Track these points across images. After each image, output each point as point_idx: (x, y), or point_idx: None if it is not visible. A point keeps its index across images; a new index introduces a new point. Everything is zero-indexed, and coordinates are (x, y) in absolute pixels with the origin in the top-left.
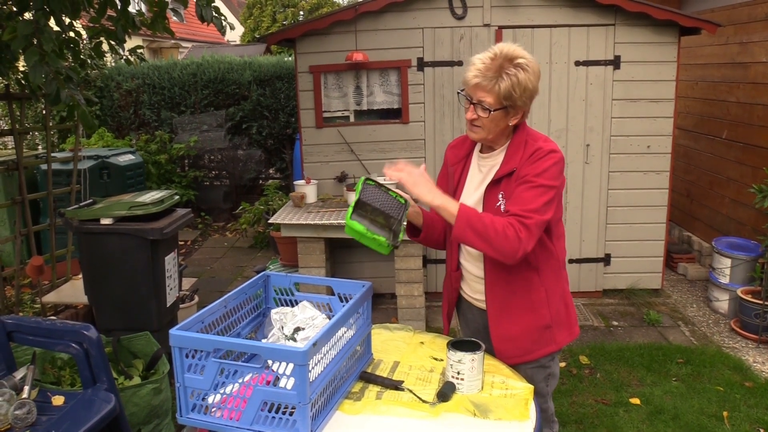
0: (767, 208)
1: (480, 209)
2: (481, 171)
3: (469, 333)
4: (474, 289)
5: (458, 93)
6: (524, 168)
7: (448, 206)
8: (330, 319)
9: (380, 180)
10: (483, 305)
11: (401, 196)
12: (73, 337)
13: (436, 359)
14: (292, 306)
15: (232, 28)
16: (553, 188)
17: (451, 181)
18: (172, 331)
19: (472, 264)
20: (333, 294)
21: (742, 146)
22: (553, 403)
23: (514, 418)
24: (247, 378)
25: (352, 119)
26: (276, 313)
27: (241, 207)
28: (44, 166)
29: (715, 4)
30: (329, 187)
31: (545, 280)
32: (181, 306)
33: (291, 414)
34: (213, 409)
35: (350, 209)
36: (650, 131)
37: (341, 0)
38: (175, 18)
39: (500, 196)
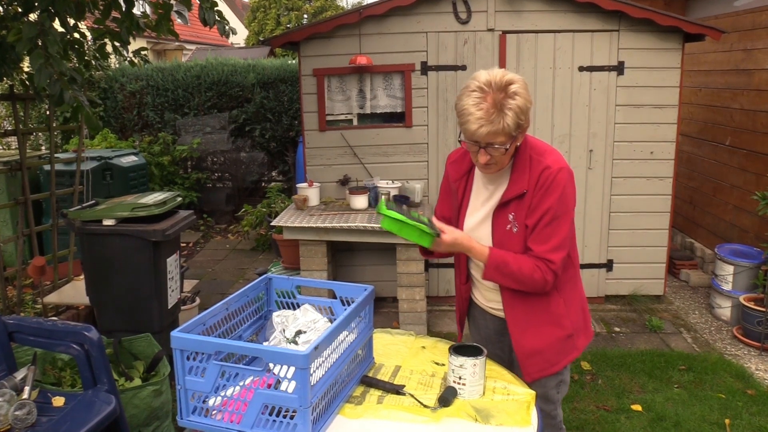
0: None
1: (488, 229)
2: (487, 189)
3: (479, 339)
4: (487, 297)
5: (459, 140)
6: (537, 195)
7: (482, 252)
8: (332, 322)
9: (383, 183)
10: (497, 312)
11: (423, 216)
12: (74, 338)
13: (437, 364)
14: (294, 309)
15: (234, 32)
16: (569, 211)
17: (455, 197)
18: (174, 333)
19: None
20: (335, 297)
21: (745, 153)
22: (561, 411)
23: (516, 423)
24: (248, 381)
25: (355, 122)
26: (278, 316)
27: (243, 209)
28: (47, 167)
29: (720, 10)
30: (332, 190)
31: (563, 290)
32: (182, 308)
33: (292, 417)
34: (213, 412)
35: (382, 201)
36: (654, 137)
37: (345, 3)
38: (179, 20)
39: (510, 217)
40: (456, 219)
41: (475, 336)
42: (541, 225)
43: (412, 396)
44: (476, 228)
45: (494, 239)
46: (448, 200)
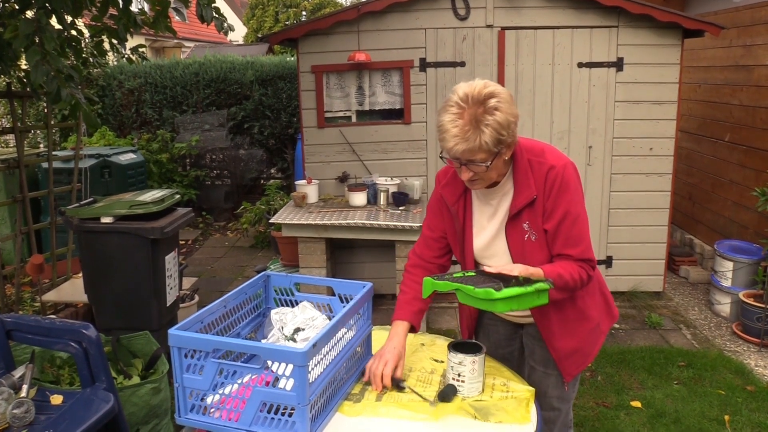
0: None
1: (503, 244)
2: (490, 204)
3: (488, 344)
4: None
5: (440, 157)
6: (550, 198)
7: (539, 276)
8: (330, 319)
9: (382, 180)
10: (511, 318)
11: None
12: (72, 336)
13: (436, 361)
14: (293, 306)
15: (232, 29)
16: (584, 205)
17: (456, 219)
18: (171, 331)
19: None
20: (333, 294)
21: (744, 149)
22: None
23: (515, 421)
24: (246, 378)
25: (354, 119)
26: (276, 314)
27: (242, 206)
28: (45, 165)
29: (719, 6)
30: (331, 187)
31: None
32: (181, 305)
33: (290, 415)
34: (212, 410)
35: (486, 291)
36: (653, 133)
37: (344, 0)
38: (177, 17)
39: (525, 226)
40: (461, 241)
41: (483, 341)
42: (566, 228)
43: (411, 390)
44: (489, 246)
45: (512, 252)
46: (444, 221)
